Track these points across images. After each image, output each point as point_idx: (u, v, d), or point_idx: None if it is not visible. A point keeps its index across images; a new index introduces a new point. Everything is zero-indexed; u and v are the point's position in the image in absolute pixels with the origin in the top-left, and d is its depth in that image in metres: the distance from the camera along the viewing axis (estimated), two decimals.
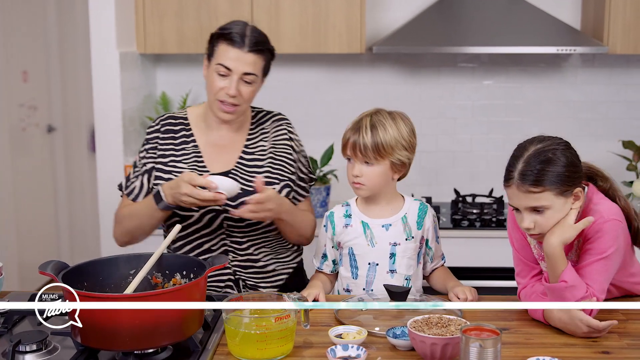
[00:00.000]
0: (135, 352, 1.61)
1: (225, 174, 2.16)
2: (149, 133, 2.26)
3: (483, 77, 3.79)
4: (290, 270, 2.31)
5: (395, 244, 2.12)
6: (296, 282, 2.32)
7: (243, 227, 2.19)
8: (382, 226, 2.13)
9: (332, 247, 2.21)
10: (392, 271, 2.12)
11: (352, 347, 1.67)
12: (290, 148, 2.27)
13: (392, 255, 2.12)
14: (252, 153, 2.23)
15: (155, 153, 2.22)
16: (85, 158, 5.23)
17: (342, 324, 1.85)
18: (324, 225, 2.22)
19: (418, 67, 3.79)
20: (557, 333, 1.82)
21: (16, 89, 4.54)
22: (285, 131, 2.29)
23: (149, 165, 2.22)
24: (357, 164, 2.08)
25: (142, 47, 3.44)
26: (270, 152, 2.24)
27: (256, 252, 2.22)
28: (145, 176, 2.21)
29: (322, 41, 3.42)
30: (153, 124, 2.27)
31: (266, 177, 2.17)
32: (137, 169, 2.24)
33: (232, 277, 2.22)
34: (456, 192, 3.66)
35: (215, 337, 1.76)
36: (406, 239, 2.13)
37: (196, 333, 1.72)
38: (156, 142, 2.23)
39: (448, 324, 1.70)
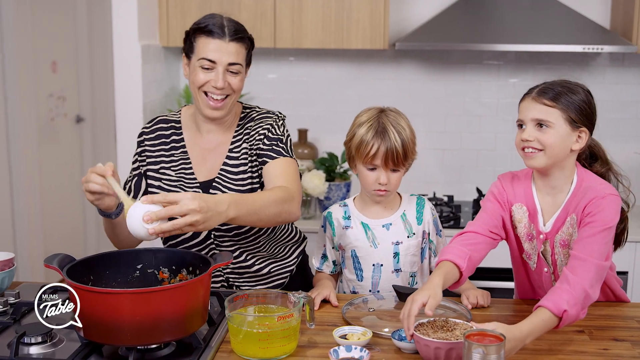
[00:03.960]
0: (137, 347, 1.61)
1: (209, 182, 2.10)
2: (139, 136, 2.19)
3: (509, 75, 3.73)
4: (292, 268, 2.23)
5: (397, 243, 2.10)
6: (300, 281, 2.28)
7: (232, 236, 2.11)
8: (383, 226, 2.11)
9: (333, 247, 2.18)
10: (397, 270, 2.10)
11: (356, 348, 1.65)
12: (260, 142, 2.09)
13: (396, 254, 2.10)
14: (236, 158, 2.10)
15: (144, 159, 2.16)
16: (113, 148, 5.23)
17: (348, 324, 1.84)
18: (322, 226, 2.19)
19: (442, 64, 3.74)
20: (566, 340, 1.78)
21: (45, 80, 4.58)
22: (268, 126, 2.10)
23: (139, 170, 2.16)
24: (385, 172, 2.04)
25: (165, 40, 3.45)
26: (250, 155, 2.10)
27: (249, 258, 2.14)
28: (134, 180, 2.16)
29: (345, 36, 3.39)
30: (144, 128, 2.19)
31: (249, 184, 2.09)
32: (129, 176, 2.19)
33: (225, 284, 2.16)
34: (478, 191, 3.62)
35: (219, 334, 1.75)
36: (408, 237, 2.10)
37: (201, 329, 1.72)
38: (145, 146, 2.16)
39: (454, 327, 1.68)
